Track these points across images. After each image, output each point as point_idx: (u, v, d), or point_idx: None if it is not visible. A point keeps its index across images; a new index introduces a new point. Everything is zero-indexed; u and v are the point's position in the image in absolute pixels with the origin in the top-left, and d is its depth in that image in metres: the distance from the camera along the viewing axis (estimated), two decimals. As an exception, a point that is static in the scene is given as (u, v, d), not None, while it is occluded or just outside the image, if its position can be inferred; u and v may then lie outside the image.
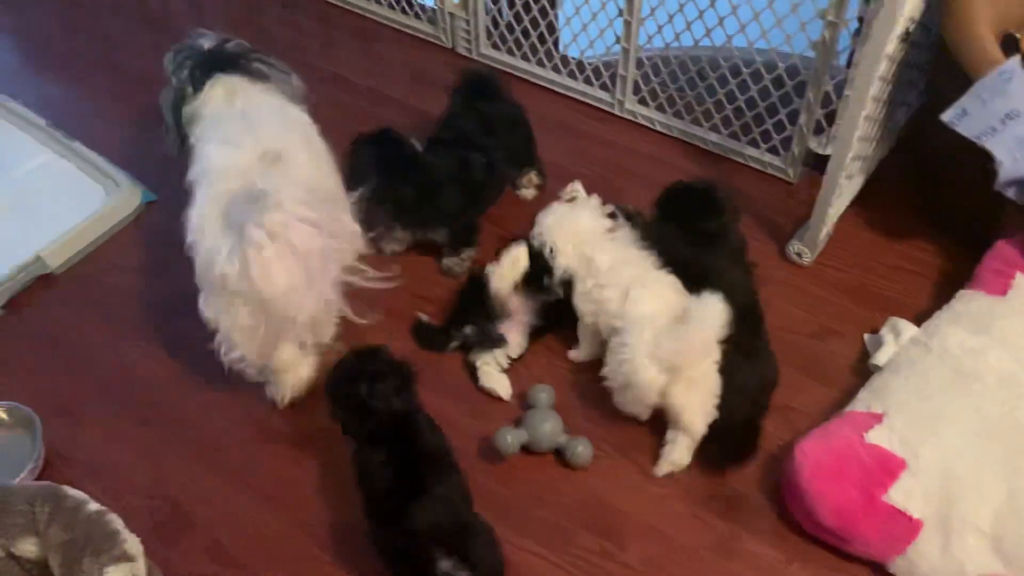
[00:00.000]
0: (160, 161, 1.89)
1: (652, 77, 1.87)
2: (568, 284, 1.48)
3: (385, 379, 1.22)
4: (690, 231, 1.41)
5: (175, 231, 1.77)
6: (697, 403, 1.32)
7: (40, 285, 1.69)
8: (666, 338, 1.31)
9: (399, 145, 1.59)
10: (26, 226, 1.76)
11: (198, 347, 1.55)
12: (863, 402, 1.33)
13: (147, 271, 1.70)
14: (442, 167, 1.59)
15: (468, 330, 1.51)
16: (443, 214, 1.60)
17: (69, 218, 1.74)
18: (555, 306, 1.51)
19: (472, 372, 1.50)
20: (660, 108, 1.89)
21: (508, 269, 1.49)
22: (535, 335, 1.55)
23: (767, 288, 1.54)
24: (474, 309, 1.52)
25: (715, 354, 1.33)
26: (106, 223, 1.75)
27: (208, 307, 1.30)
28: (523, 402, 1.46)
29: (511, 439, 1.35)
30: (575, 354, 1.52)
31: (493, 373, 1.48)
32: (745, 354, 1.34)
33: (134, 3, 2.43)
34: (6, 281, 1.63)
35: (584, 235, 1.49)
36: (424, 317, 1.58)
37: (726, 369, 1.33)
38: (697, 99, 1.85)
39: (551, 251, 1.48)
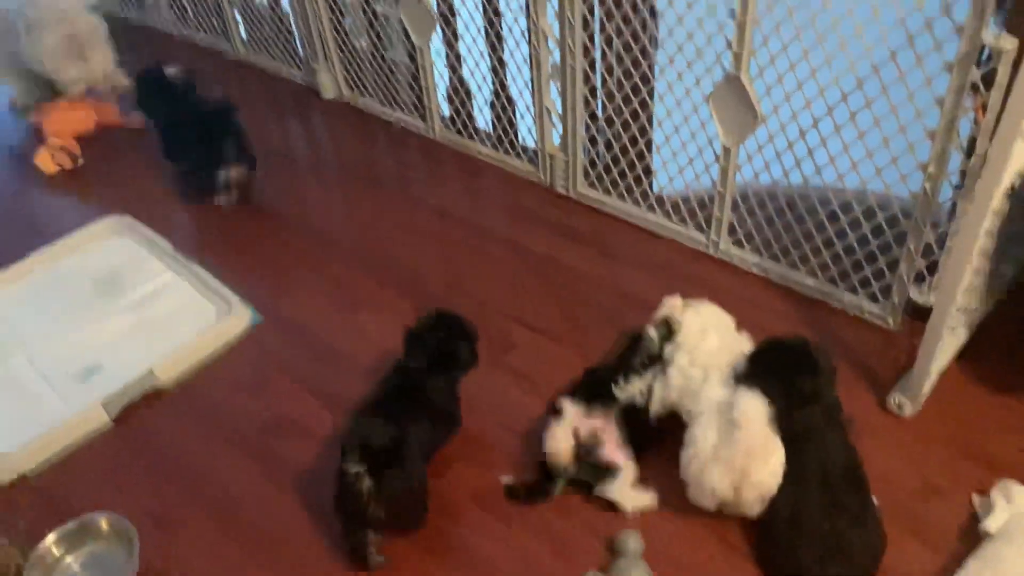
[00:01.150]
0: (270, 287, 2.01)
1: (748, 220, 1.89)
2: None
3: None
4: (784, 388, 1.39)
5: (277, 353, 1.86)
6: (757, 504, 1.37)
7: (150, 398, 1.77)
8: (725, 444, 1.35)
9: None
10: (143, 341, 1.87)
11: (291, 471, 1.60)
12: (973, 572, 1.25)
13: (249, 390, 1.77)
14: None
15: (573, 469, 1.50)
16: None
17: (182, 335, 1.84)
18: (644, 426, 1.52)
19: (558, 510, 1.48)
20: (756, 250, 1.90)
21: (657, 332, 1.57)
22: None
23: (866, 440, 1.49)
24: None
25: (777, 454, 1.35)
26: (216, 342, 1.84)
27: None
28: (610, 546, 1.42)
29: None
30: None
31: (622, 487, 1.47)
32: (850, 520, 1.29)
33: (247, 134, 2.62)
34: (120, 394, 1.73)
35: (713, 318, 1.56)
36: (506, 479, 1.56)
37: (831, 536, 1.29)
38: (794, 243, 1.85)
39: (671, 329, 1.54)
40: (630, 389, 1.53)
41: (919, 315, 1.69)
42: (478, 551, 1.45)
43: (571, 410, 1.52)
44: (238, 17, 2.85)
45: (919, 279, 1.67)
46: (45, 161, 2.46)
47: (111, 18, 3.29)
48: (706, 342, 1.52)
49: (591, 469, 1.49)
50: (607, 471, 1.48)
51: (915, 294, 1.68)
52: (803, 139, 1.69)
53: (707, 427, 1.40)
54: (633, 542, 1.40)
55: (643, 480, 1.50)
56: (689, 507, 1.44)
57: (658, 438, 1.53)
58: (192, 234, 2.20)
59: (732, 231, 1.92)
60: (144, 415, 1.74)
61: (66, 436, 1.67)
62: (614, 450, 1.50)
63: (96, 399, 1.71)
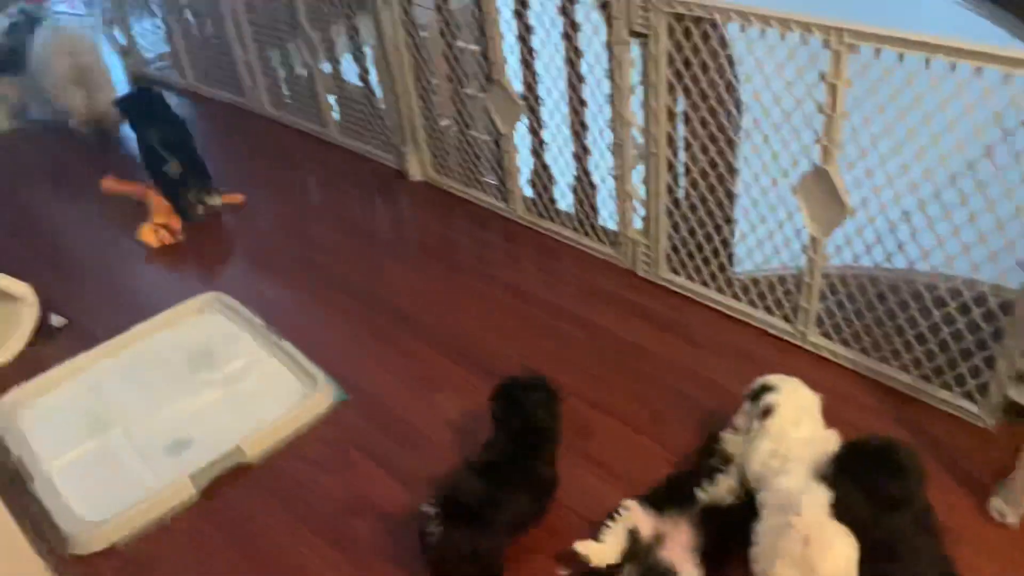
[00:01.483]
0: (350, 363, 2.05)
1: (837, 311, 1.85)
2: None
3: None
4: (870, 493, 1.34)
5: (357, 431, 1.89)
6: None
7: (236, 473, 1.81)
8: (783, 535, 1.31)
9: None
10: (232, 416, 1.92)
11: (369, 552, 1.60)
12: None
13: (333, 468, 1.80)
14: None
15: (632, 570, 1.46)
16: None
17: (269, 411, 1.89)
18: (722, 517, 1.47)
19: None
20: (845, 342, 1.86)
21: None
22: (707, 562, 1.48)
23: (963, 548, 1.41)
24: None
25: (841, 543, 1.29)
26: (301, 418, 1.88)
27: None
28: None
29: None
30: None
31: None
32: None
33: (334, 213, 2.72)
34: (207, 468, 1.77)
35: (807, 402, 1.55)
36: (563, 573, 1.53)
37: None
38: (886, 336, 1.80)
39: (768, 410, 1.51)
40: (716, 490, 1.50)
41: (1020, 415, 1.62)
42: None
43: (634, 510, 1.49)
44: (332, 102, 2.98)
45: (1020, 379, 1.60)
46: (148, 236, 2.59)
47: (213, 101, 3.51)
48: (797, 431, 1.50)
49: (648, 571, 1.44)
50: (664, 572, 1.43)
51: (1015, 393, 1.61)
52: (894, 232, 1.66)
53: (768, 519, 1.37)
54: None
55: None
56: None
57: (740, 541, 1.48)
58: (281, 310, 2.27)
59: (820, 322, 1.89)
60: (229, 490, 1.78)
61: (155, 508, 1.72)
62: (678, 552, 1.45)
63: (184, 472, 1.76)
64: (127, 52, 3.84)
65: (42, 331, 2.27)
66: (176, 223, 2.63)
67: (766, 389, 1.56)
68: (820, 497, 1.33)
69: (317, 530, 1.67)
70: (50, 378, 2.08)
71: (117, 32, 3.81)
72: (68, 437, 1.92)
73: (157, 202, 2.64)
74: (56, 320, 2.31)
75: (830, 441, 1.48)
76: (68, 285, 2.49)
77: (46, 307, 2.29)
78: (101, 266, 2.59)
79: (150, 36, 3.76)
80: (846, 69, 1.57)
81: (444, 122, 2.59)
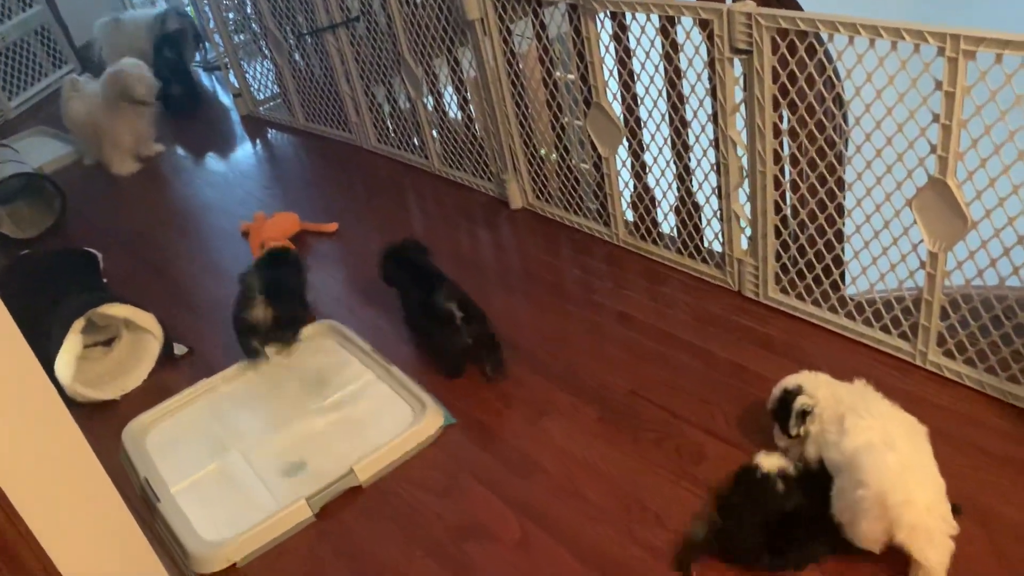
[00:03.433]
0: (463, 388, 2.07)
1: (959, 329, 1.76)
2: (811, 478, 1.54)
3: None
4: None
5: (466, 456, 1.90)
6: (923, 540, 1.37)
7: (348, 495, 1.85)
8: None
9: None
10: (343, 440, 1.97)
11: (480, 574, 1.61)
12: None
13: (442, 492, 1.82)
14: None
15: None
16: None
17: (380, 436, 1.93)
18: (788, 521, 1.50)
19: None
20: (969, 362, 1.77)
21: None
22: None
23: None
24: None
25: (925, 489, 1.39)
26: (411, 442, 1.91)
27: None
28: None
29: None
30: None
31: None
32: None
33: (437, 241, 2.76)
34: (323, 491, 1.82)
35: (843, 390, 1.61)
36: None
37: None
38: (1014, 355, 1.71)
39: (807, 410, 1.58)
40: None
41: None
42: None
43: None
44: (435, 135, 3.06)
45: None
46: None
47: (322, 138, 3.64)
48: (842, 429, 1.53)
49: None
50: None
51: None
52: (1022, 244, 1.58)
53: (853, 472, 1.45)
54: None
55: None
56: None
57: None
58: (388, 337, 2.32)
59: (941, 341, 1.80)
60: (343, 513, 1.82)
61: (273, 529, 1.77)
62: None
63: (300, 495, 1.81)
64: (239, 94, 4.03)
65: (165, 359, 2.39)
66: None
67: (790, 394, 1.61)
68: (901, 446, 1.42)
69: (430, 552, 1.69)
70: (174, 404, 2.18)
71: (232, 76, 4.01)
72: (191, 460, 2.00)
73: (268, 230, 2.77)
74: (179, 349, 2.42)
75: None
76: (189, 316, 2.62)
77: (169, 336, 2.41)
78: (222, 301, 2.71)
79: (260, 78, 3.95)
80: (964, 77, 1.52)
81: (544, 150, 2.62)
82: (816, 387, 1.61)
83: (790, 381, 1.65)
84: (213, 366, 2.30)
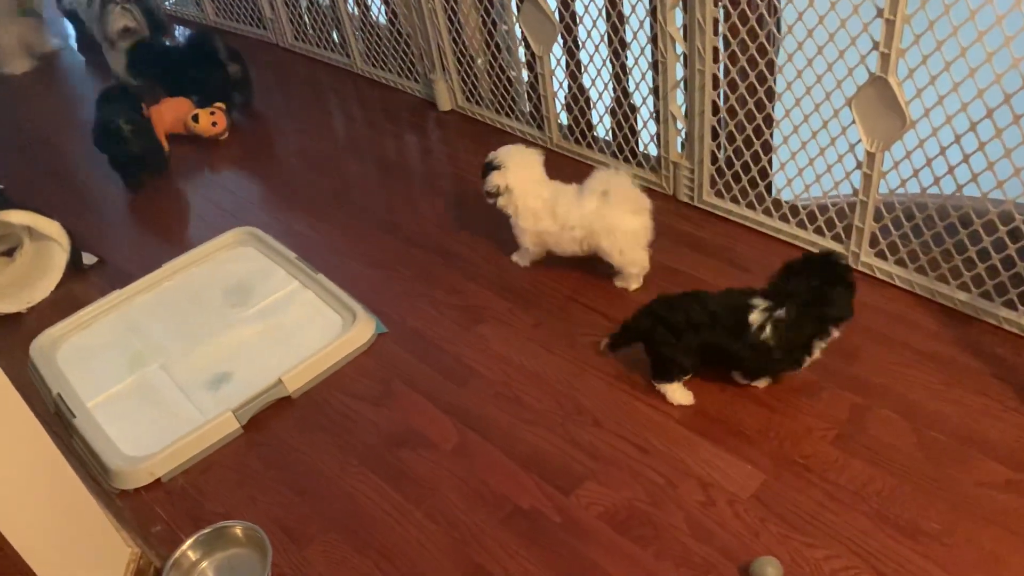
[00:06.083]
0: (395, 296, 2.01)
1: (892, 230, 1.78)
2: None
3: None
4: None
5: (400, 364, 1.86)
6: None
7: (278, 406, 1.79)
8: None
9: None
10: (271, 351, 1.89)
11: (417, 482, 1.58)
12: None
13: (376, 401, 1.77)
14: None
15: None
16: None
17: (309, 345, 1.86)
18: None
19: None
20: (901, 263, 1.79)
21: None
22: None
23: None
24: None
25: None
26: (341, 352, 1.85)
27: None
28: (746, 572, 1.35)
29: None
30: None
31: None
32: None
33: (362, 146, 2.65)
34: (250, 402, 1.75)
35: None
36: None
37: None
38: (944, 255, 1.73)
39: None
40: None
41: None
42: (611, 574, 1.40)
43: None
44: (357, 32, 2.89)
45: (1091, 294, 1.54)
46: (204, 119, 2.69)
47: (235, 35, 3.41)
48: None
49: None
50: None
51: (1085, 310, 1.55)
52: (958, 145, 1.58)
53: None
54: (772, 570, 1.32)
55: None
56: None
57: None
58: (314, 245, 2.23)
59: (874, 242, 1.82)
60: (272, 424, 1.76)
61: (198, 443, 1.70)
62: None
63: (227, 407, 1.74)
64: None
65: (73, 269, 2.25)
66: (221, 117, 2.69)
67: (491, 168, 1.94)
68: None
69: (365, 461, 1.65)
70: (85, 316, 2.06)
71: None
72: (106, 374, 1.90)
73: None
74: (88, 259, 2.28)
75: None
76: (98, 224, 2.46)
77: (77, 246, 2.26)
78: (130, 204, 2.55)
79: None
80: (910, -32, 1.48)
81: (474, 48, 2.50)
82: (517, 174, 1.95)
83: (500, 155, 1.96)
84: (126, 276, 2.18)
